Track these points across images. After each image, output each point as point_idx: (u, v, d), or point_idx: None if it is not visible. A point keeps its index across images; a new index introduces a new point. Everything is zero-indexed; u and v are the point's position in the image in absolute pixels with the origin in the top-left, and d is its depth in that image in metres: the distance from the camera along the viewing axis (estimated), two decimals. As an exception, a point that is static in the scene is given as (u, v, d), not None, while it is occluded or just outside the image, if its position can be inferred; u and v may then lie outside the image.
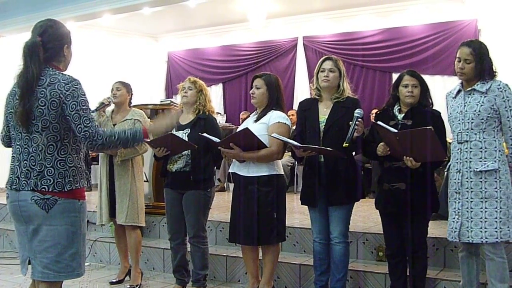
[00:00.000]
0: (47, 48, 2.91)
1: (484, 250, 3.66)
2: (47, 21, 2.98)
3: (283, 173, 4.24)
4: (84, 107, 2.85)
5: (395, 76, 9.35)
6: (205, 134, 4.17)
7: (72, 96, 2.81)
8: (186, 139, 4.36)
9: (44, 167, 2.82)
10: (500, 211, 3.55)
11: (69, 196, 2.85)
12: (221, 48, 11.36)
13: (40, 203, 2.80)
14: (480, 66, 3.62)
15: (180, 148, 4.38)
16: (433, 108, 3.96)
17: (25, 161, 2.85)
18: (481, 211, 3.58)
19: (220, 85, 11.41)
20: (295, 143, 3.87)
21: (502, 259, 3.60)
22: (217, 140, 4.10)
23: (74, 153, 2.92)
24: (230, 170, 4.28)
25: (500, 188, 3.56)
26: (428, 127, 3.44)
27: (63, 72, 2.93)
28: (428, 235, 4.01)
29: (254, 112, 4.32)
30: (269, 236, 4.06)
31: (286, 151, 4.27)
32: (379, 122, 3.68)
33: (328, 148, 3.79)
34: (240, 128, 4.27)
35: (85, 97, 2.88)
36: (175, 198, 4.53)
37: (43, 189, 2.80)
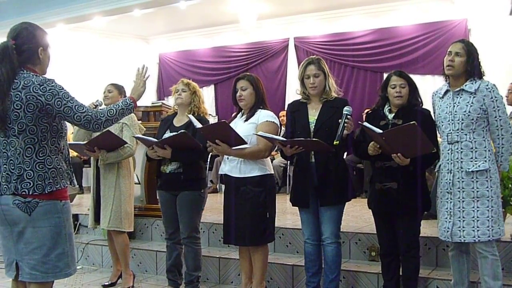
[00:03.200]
0: (22, 51, 2.90)
1: (477, 249, 3.67)
2: (22, 23, 2.98)
3: (273, 173, 4.24)
4: (69, 98, 2.88)
5: (386, 76, 9.39)
6: (190, 115, 4.22)
7: (52, 94, 2.83)
8: None
9: (23, 170, 2.83)
10: (492, 209, 3.58)
11: (50, 197, 2.86)
12: (213, 49, 11.36)
13: (22, 206, 2.82)
14: (469, 63, 3.64)
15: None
16: (423, 107, 3.97)
17: (4, 166, 2.85)
18: (473, 210, 3.60)
19: (212, 87, 11.40)
20: (281, 138, 3.88)
21: (495, 256, 3.62)
22: (200, 125, 4.09)
23: (53, 154, 2.92)
24: (220, 172, 4.28)
25: (491, 187, 3.59)
26: (411, 123, 3.45)
27: (37, 74, 2.92)
28: (420, 235, 4.02)
29: (241, 112, 4.31)
30: (261, 236, 4.07)
31: (276, 151, 4.27)
32: (365, 123, 3.69)
33: (314, 139, 3.79)
34: None
35: (65, 90, 2.91)
36: (169, 199, 4.53)
37: (24, 192, 2.81)
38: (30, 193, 2.81)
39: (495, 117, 3.61)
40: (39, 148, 2.87)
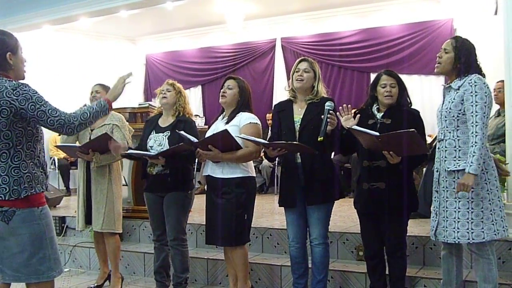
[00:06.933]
0: None
1: (470, 250, 3.65)
2: None
3: (255, 175, 4.25)
4: (42, 102, 2.87)
5: (373, 76, 9.38)
6: (182, 132, 4.18)
7: (25, 99, 2.82)
8: (167, 141, 4.37)
9: None
10: (472, 212, 3.46)
11: (27, 205, 2.86)
12: (199, 50, 11.33)
13: None
14: (458, 60, 3.57)
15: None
16: (411, 107, 3.97)
17: None
18: (455, 211, 3.52)
19: (199, 88, 11.36)
20: (263, 141, 3.89)
21: (486, 259, 3.54)
22: (195, 140, 4.10)
23: (28, 159, 2.91)
24: (203, 173, 4.27)
25: (473, 189, 3.42)
26: (411, 130, 3.42)
27: (11, 80, 2.89)
28: (408, 234, 4.03)
29: (222, 115, 4.32)
30: (238, 237, 4.07)
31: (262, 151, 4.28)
32: (354, 127, 3.64)
33: (295, 142, 3.81)
34: (210, 130, 4.25)
35: (39, 94, 2.89)
36: (155, 201, 4.52)
37: (0, 198, 2.80)
38: (6, 198, 2.81)
39: (472, 112, 3.41)
40: (14, 153, 2.86)
